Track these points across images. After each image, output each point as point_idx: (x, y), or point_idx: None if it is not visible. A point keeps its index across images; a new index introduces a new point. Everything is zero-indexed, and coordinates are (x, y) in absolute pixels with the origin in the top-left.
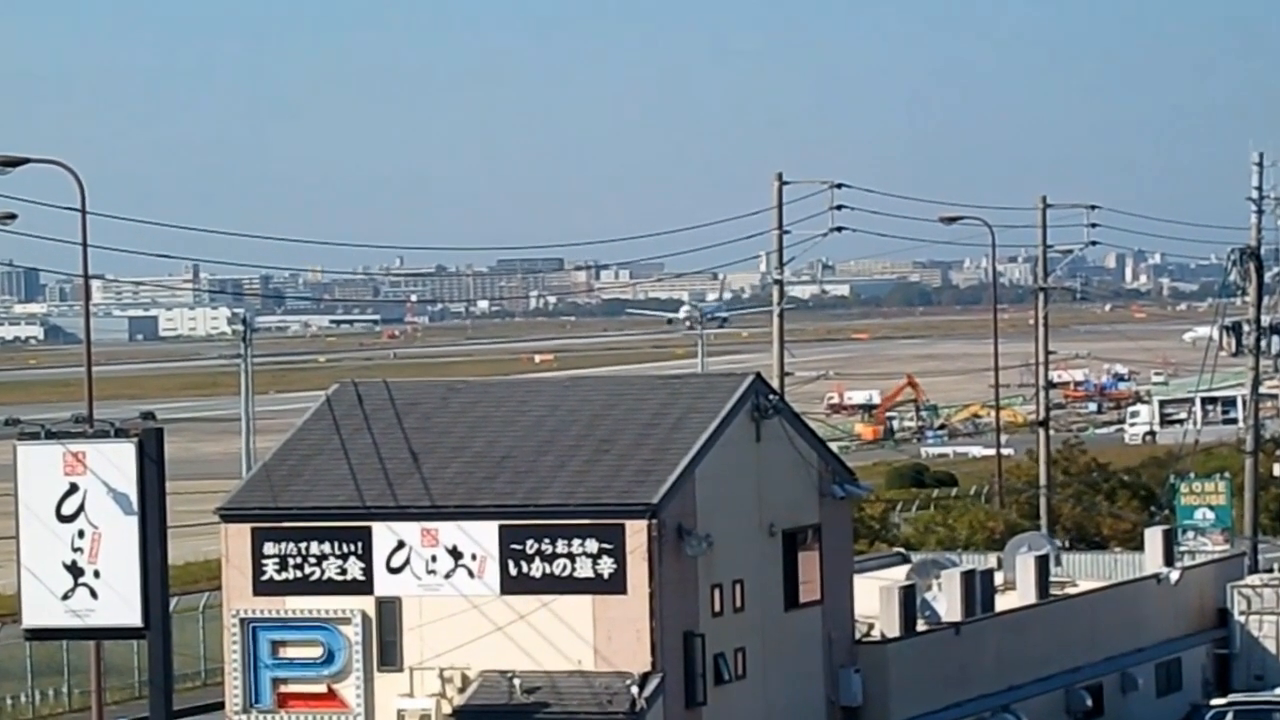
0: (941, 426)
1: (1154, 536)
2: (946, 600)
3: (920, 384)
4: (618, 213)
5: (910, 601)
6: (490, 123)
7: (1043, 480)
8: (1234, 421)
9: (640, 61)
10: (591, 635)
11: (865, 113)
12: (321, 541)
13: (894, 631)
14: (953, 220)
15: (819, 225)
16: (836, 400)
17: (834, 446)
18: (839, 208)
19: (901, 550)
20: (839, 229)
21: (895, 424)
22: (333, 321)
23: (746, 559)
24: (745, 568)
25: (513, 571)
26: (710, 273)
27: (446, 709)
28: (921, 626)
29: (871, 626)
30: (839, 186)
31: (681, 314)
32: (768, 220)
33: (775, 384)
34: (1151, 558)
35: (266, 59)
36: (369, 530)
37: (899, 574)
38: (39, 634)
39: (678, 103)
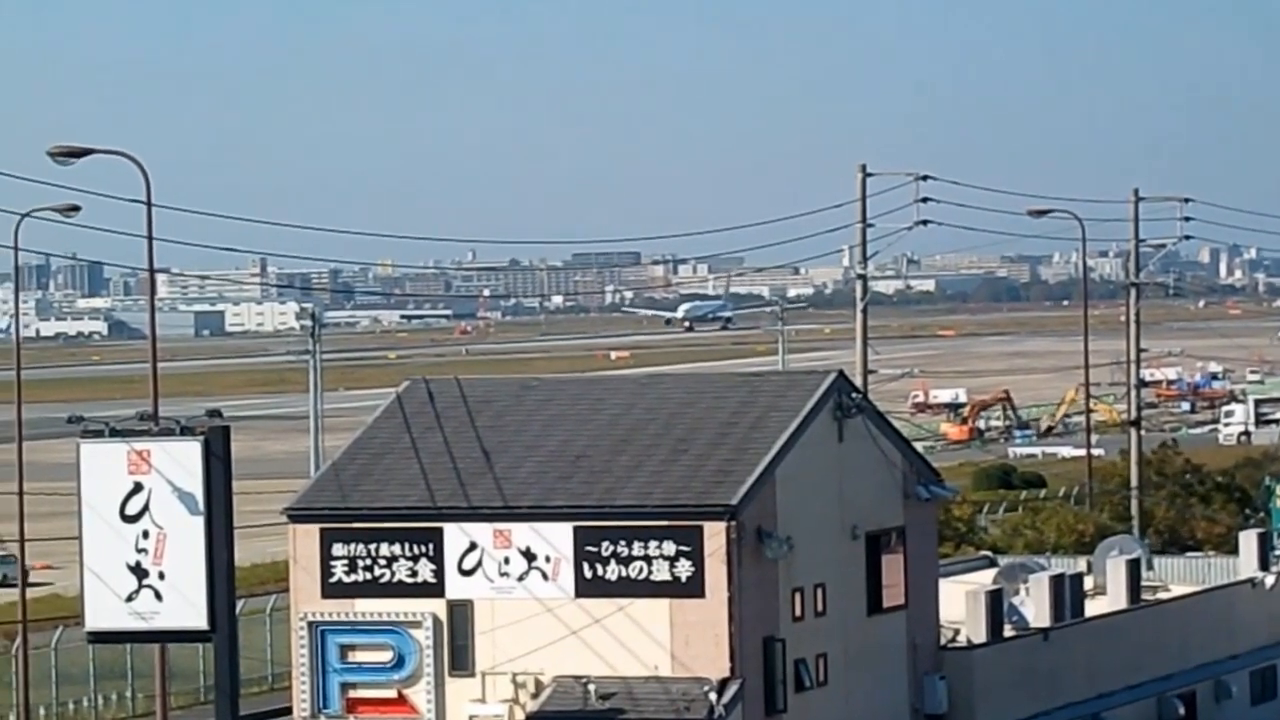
0: (1049, 429)
1: (1249, 540)
2: (1035, 605)
3: (1014, 397)
4: (696, 205)
5: (997, 606)
6: (566, 114)
7: (1134, 481)
8: None
9: (721, 51)
10: (668, 640)
11: (952, 103)
12: (391, 543)
13: (980, 637)
14: (1042, 213)
15: (904, 218)
16: (921, 399)
17: (919, 446)
18: (924, 200)
19: (988, 553)
20: (924, 222)
21: (983, 423)
22: (403, 317)
23: (828, 562)
24: (827, 571)
25: (588, 574)
26: (792, 267)
27: (519, 715)
28: (1009, 632)
29: (957, 632)
30: (924, 178)
31: (679, 313)
32: (851, 213)
33: (858, 382)
34: (1246, 561)
35: (336, 48)
36: (440, 531)
37: (986, 578)
38: (102, 637)
39: (759, 93)
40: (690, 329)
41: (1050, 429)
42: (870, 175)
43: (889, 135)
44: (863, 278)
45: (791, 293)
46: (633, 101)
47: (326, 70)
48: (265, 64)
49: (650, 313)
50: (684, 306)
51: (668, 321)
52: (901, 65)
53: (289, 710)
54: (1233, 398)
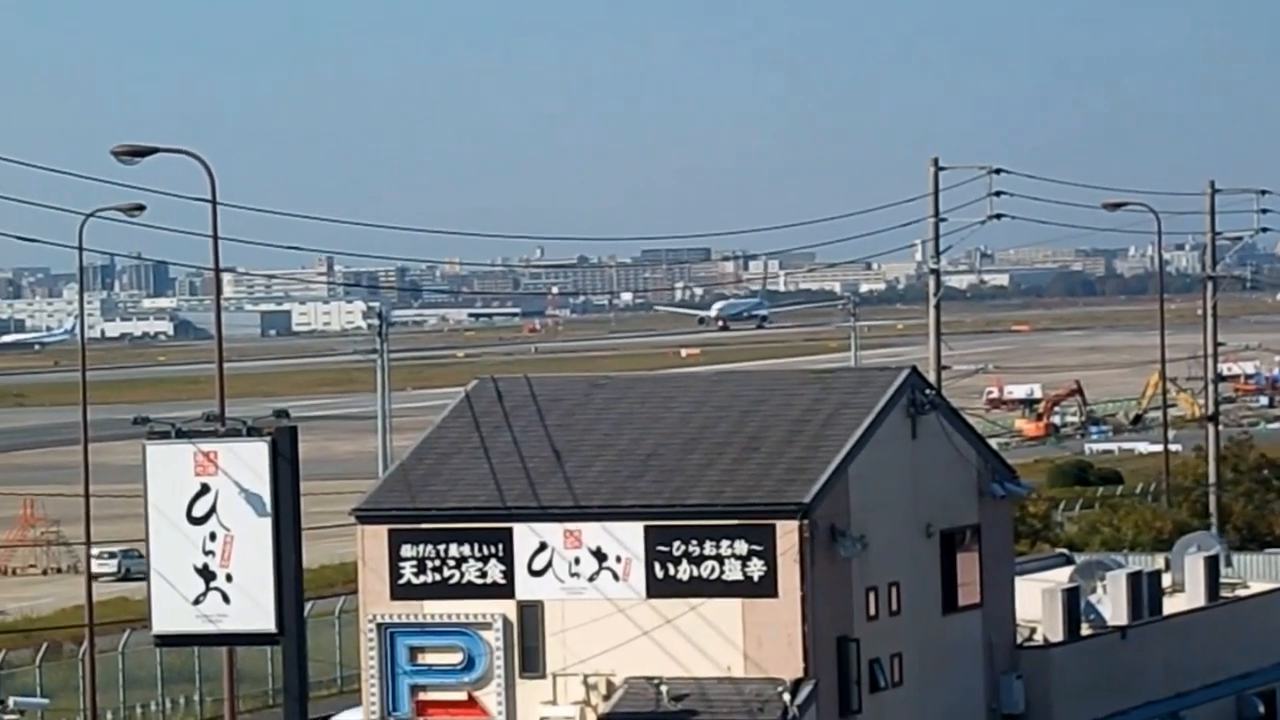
0: (1138, 418)
1: None
2: (1112, 603)
3: (1085, 390)
4: (767, 201)
5: (1074, 604)
6: (633, 108)
7: (1212, 477)
8: None
9: (790, 43)
10: (741, 640)
11: (1025, 95)
12: (461, 543)
13: (1057, 636)
14: (1117, 206)
15: (977, 212)
16: (996, 395)
17: (994, 443)
18: (998, 194)
19: (1065, 551)
20: (998, 216)
21: (1059, 420)
22: (471, 315)
23: (902, 561)
24: (901, 570)
25: (659, 574)
26: (864, 262)
27: (591, 717)
28: (1086, 631)
29: (1033, 631)
30: (997, 172)
31: (713, 312)
32: (923, 207)
33: (932, 378)
34: None
35: (402, 47)
36: (510, 531)
37: (1062, 576)
38: (170, 640)
39: (828, 86)
40: (725, 328)
41: (1139, 417)
42: (943, 169)
43: (961, 128)
44: (936, 272)
45: (864, 288)
46: (700, 95)
47: (390, 66)
48: (331, 61)
49: (685, 311)
50: (717, 305)
51: (701, 320)
52: (974, 57)
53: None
54: None
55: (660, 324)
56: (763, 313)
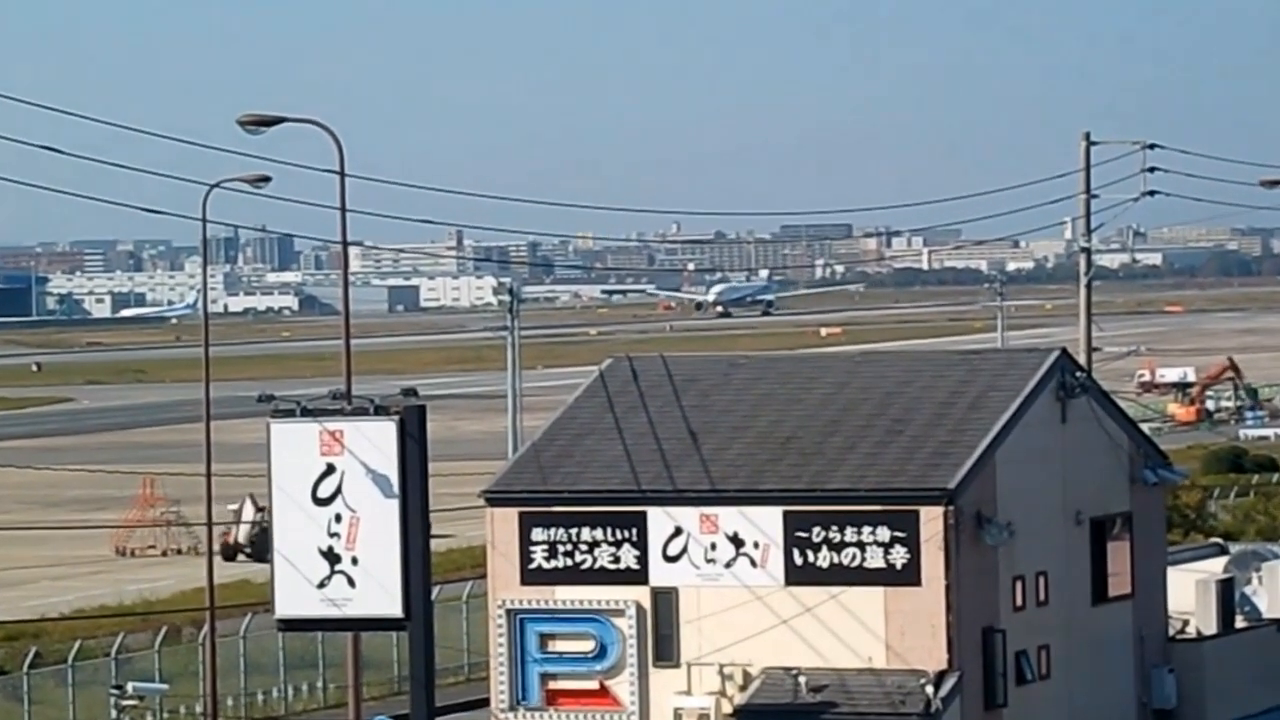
0: None
1: None
2: (1268, 595)
3: (1241, 366)
4: (912, 175)
5: (1229, 596)
6: (774, 80)
7: None
8: None
9: (938, 14)
10: (883, 630)
11: (1179, 68)
12: (593, 527)
13: (1211, 628)
14: (1275, 184)
15: (1129, 189)
16: (1148, 378)
17: (1146, 428)
18: (1151, 170)
19: (1219, 541)
20: (1151, 193)
21: (1213, 404)
22: (604, 292)
23: (1051, 549)
24: (1049, 559)
25: (798, 561)
26: (1011, 240)
27: (727, 708)
28: (1241, 623)
29: (1186, 623)
30: (1151, 147)
31: (710, 296)
32: (1074, 184)
33: (1082, 360)
34: None
35: (536, 22)
36: (644, 515)
37: (1216, 566)
38: (293, 624)
39: (976, 58)
40: (725, 314)
41: None
42: (1094, 144)
43: (1114, 102)
44: (1086, 251)
45: (1011, 266)
46: (843, 68)
47: (525, 36)
48: (463, 30)
49: (676, 295)
50: (716, 289)
51: (698, 306)
52: (1127, 28)
53: (487, 702)
54: None
55: (648, 311)
56: (768, 298)
